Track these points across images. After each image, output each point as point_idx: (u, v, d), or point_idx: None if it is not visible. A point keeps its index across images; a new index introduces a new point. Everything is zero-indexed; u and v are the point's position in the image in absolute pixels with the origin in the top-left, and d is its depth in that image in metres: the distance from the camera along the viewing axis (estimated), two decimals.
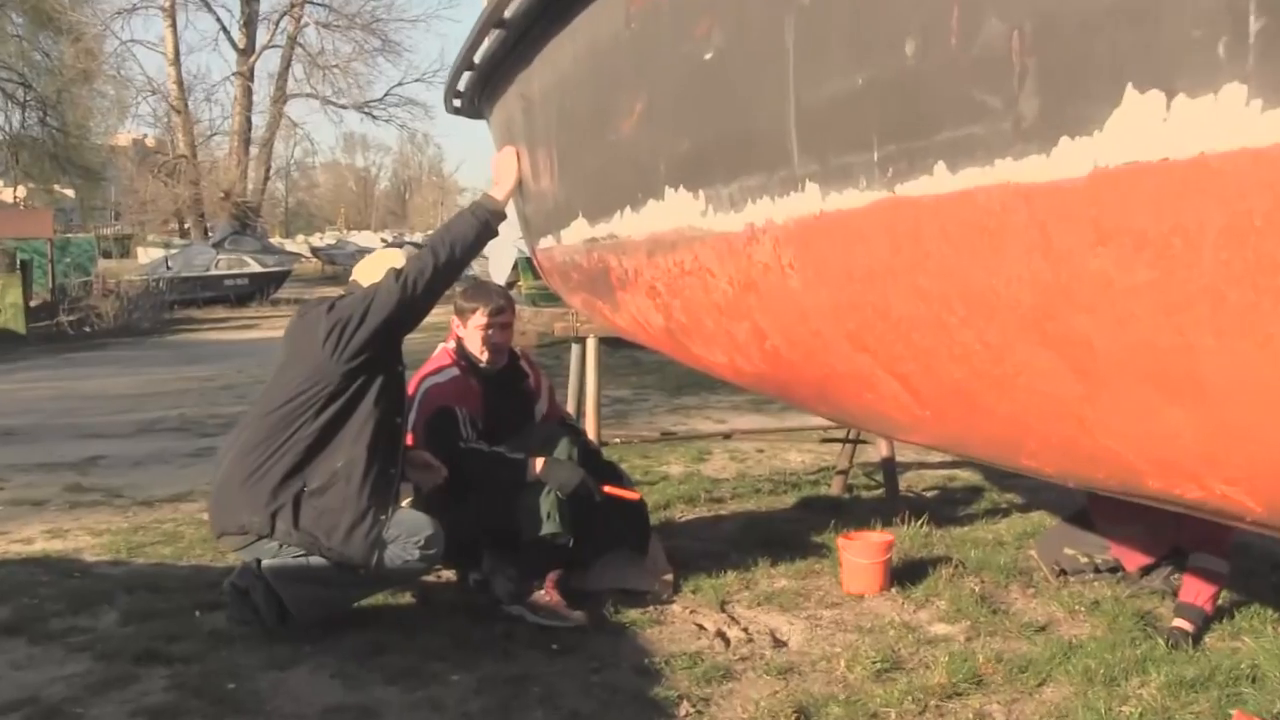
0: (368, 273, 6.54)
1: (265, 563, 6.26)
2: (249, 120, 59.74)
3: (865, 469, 10.27)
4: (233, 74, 59.49)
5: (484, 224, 6.39)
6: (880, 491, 9.67)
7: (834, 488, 9.84)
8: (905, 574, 7.20)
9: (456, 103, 7.78)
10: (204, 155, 59.23)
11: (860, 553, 7.14)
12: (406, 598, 6.90)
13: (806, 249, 3.10)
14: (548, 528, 6.66)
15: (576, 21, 4.61)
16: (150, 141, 67.29)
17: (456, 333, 7.20)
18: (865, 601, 6.91)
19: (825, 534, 8.09)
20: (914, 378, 2.90)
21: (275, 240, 65.12)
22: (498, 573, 6.89)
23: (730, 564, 7.51)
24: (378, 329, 6.15)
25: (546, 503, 6.67)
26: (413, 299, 6.22)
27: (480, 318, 7.06)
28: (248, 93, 59.35)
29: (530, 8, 4.86)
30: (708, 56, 3.47)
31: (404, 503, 6.91)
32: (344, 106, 62.14)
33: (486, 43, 5.74)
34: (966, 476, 10.35)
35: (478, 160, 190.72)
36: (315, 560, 6.21)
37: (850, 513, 8.88)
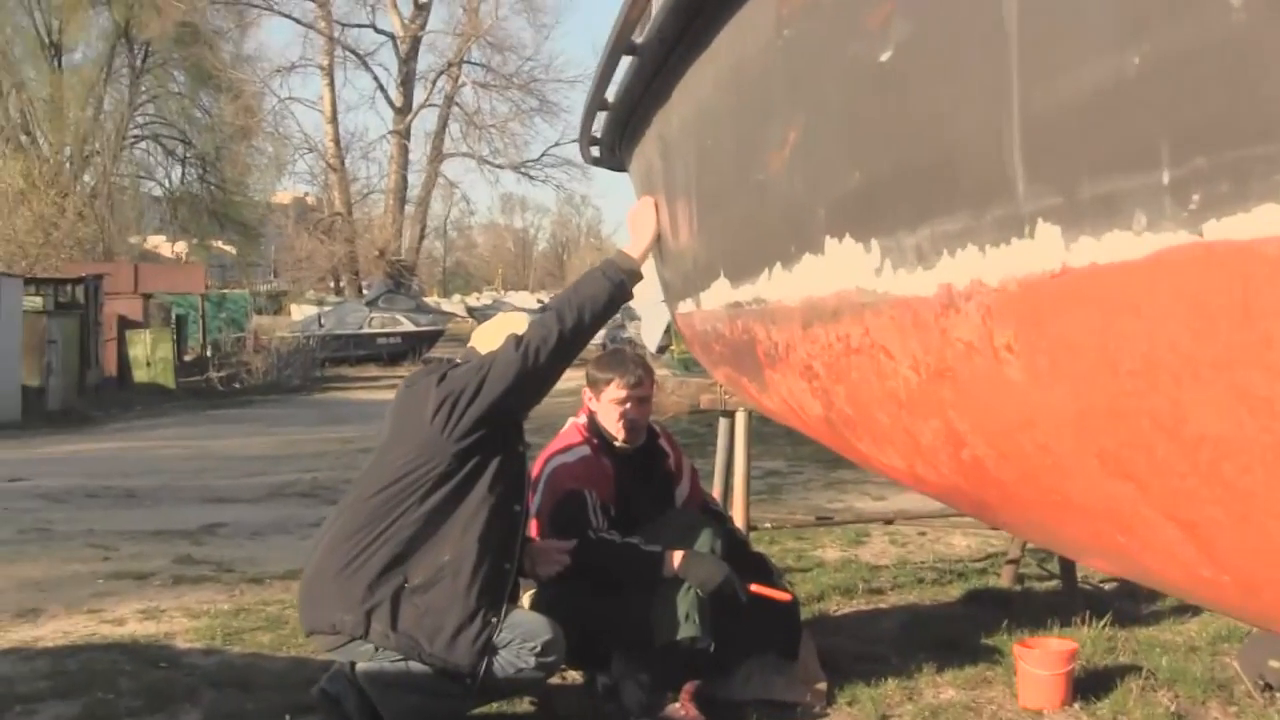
0: (486, 339, 5.78)
1: (360, 667, 5.52)
2: (405, 179, 59.89)
3: (1037, 556, 9.29)
4: (389, 132, 59.83)
5: (618, 285, 5.56)
6: (1055, 583, 8.68)
7: (1004, 578, 8.88)
8: (1089, 685, 6.27)
9: (594, 151, 6.89)
10: (360, 213, 59.61)
11: (1039, 663, 6.22)
12: (524, 705, 6.08)
13: (1035, 323, 2.11)
14: (685, 630, 5.88)
15: (719, 38, 3.71)
16: (310, 200, 67.71)
17: (589, 406, 6.41)
18: (1045, 718, 6.06)
19: (997, 635, 7.18)
20: (1211, 527, 1.89)
21: (432, 300, 65.17)
22: (628, 679, 6.04)
23: (891, 669, 6.61)
24: (495, 403, 5.45)
25: (685, 602, 5.90)
26: (534, 369, 5.47)
27: (616, 390, 6.31)
28: (404, 151, 59.50)
29: (664, 25, 3.93)
30: (885, 57, 2.51)
31: (524, 597, 6.08)
32: (500, 166, 62.09)
33: (618, 76, 4.82)
34: None
35: None
36: (416, 667, 5.43)
37: (1023, 609, 7.89)
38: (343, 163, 58.47)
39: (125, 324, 31.13)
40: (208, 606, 8.33)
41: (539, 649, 5.47)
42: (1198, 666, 6.63)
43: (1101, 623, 7.36)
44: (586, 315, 5.53)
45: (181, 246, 54.97)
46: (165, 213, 50.89)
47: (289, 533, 11.39)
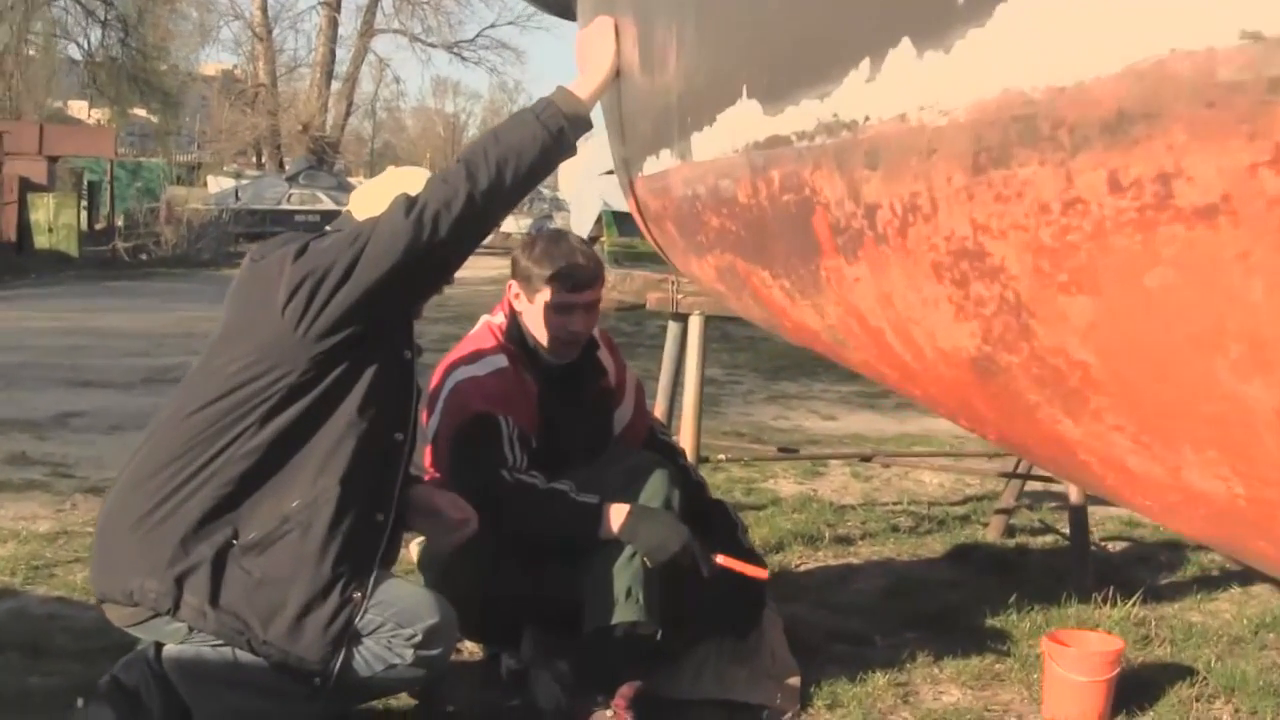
0: (368, 202, 4.09)
1: (167, 651, 3.95)
2: (333, 53, 58.00)
3: (1025, 501, 7.78)
4: (319, 3, 57.68)
5: (555, 135, 3.87)
6: (1051, 539, 7.30)
7: (992, 531, 7.40)
8: (1126, 690, 4.83)
9: None
10: (285, 87, 58.13)
11: (1078, 666, 4.78)
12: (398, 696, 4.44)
13: None
14: (624, 613, 4.38)
15: None
16: (238, 73, 65.74)
17: (510, 303, 4.78)
18: None
19: (1002, 613, 5.74)
20: None
21: (358, 180, 63.46)
22: (542, 668, 4.53)
23: (877, 657, 5.18)
24: (372, 289, 3.79)
25: (626, 574, 4.40)
26: (431, 245, 3.78)
27: (557, 293, 4.70)
28: (333, 24, 57.58)
29: None
30: None
31: (410, 548, 4.80)
32: (433, 45, 60.51)
33: None
34: (1144, 518, 7.72)
35: None
36: (244, 657, 3.87)
37: (1024, 576, 6.47)
38: (269, 32, 56.73)
39: (28, 187, 29.50)
40: (22, 526, 6.59)
41: (419, 638, 3.92)
42: (1249, 664, 5.30)
43: (1130, 602, 5.90)
44: (509, 173, 3.81)
45: (103, 113, 52.75)
46: (84, 77, 48.55)
47: None
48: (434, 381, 4.72)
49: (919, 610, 5.81)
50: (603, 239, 23.21)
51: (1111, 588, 5.95)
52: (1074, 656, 4.77)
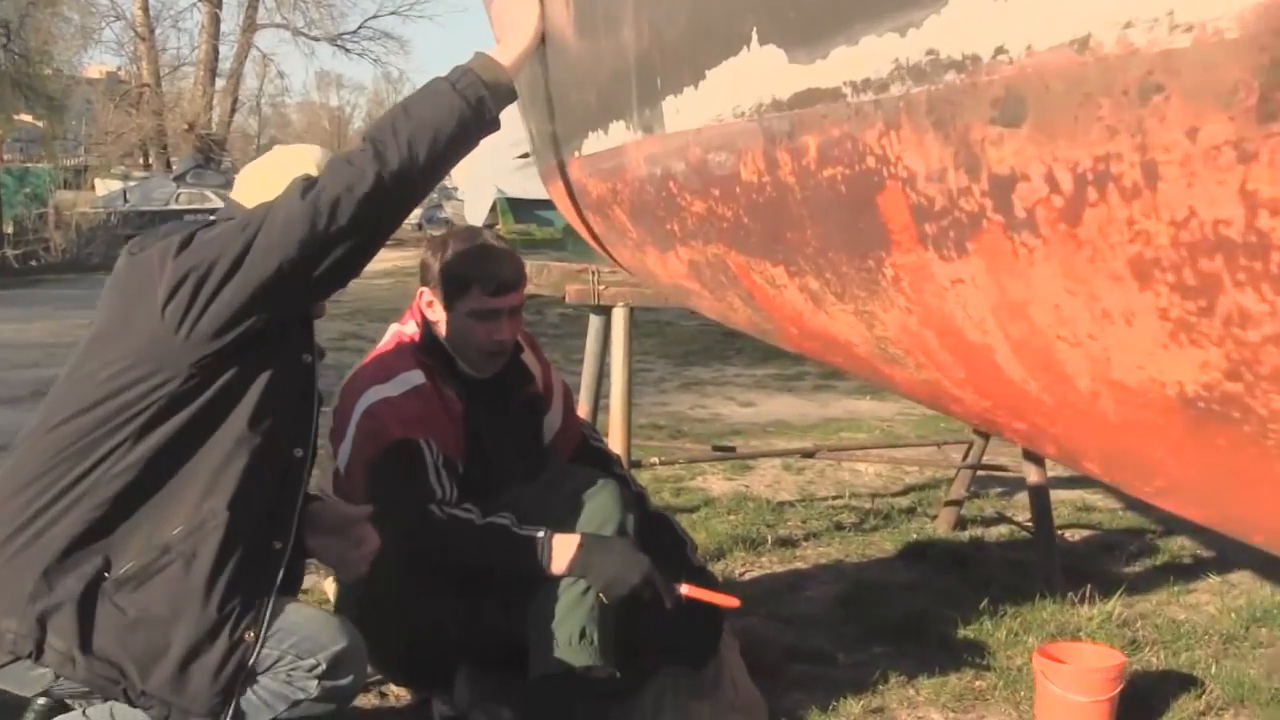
0: (257, 185, 3.47)
1: (37, 706, 3.43)
2: (216, 50, 56.88)
3: (972, 487, 7.20)
4: (200, 0, 55.81)
5: (475, 107, 3.23)
6: (1005, 529, 6.84)
7: (941, 523, 6.91)
8: (1128, 705, 4.33)
9: None
10: (170, 87, 56.90)
11: (1076, 684, 4.27)
12: None
13: None
14: (578, 657, 3.78)
15: None
16: (123, 74, 64.45)
17: (421, 312, 4.17)
18: None
19: (972, 619, 5.26)
20: None
21: None
22: (481, 714, 3.98)
23: (844, 678, 4.67)
24: (263, 286, 3.17)
25: (579, 612, 3.80)
26: (332, 235, 3.16)
27: (478, 299, 4.05)
28: (215, 21, 56.41)
29: None
30: None
31: (326, 584, 4.35)
32: (315, 39, 59.57)
33: None
34: (1098, 500, 7.59)
35: None
36: (122, 713, 3.30)
37: (985, 571, 6.02)
38: (151, 31, 55.42)
39: None
40: None
41: (322, 667, 3.36)
42: (1250, 667, 4.87)
43: (1108, 600, 5.47)
44: (422, 151, 3.17)
45: None
46: None
47: None
48: (340, 404, 4.09)
49: (881, 620, 5.30)
50: (499, 226, 22.56)
51: (1088, 585, 5.54)
52: (1072, 675, 4.31)
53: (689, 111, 2.09)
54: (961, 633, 5.14)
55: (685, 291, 2.95)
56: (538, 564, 3.74)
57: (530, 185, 22.33)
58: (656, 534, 4.34)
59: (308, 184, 3.13)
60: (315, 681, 3.35)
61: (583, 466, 4.39)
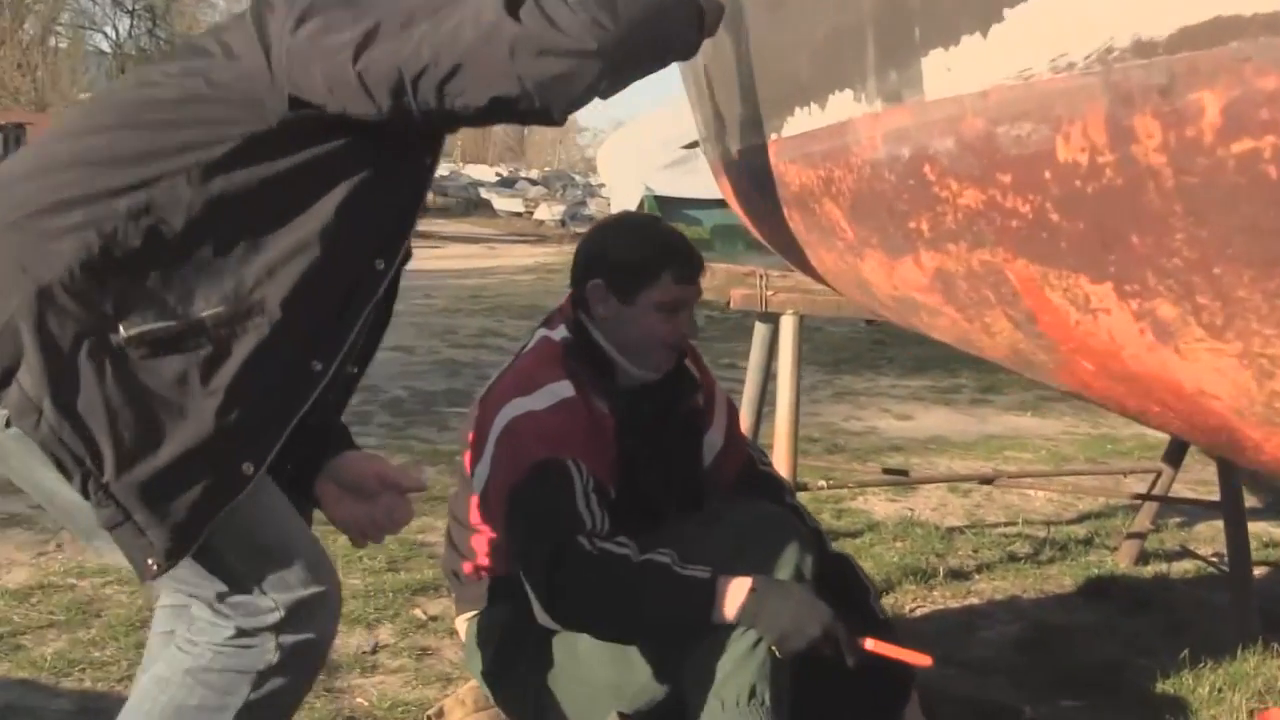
0: None
1: None
2: None
3: (1162, 524, 6.72)
4: None
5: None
6: (1190, 565, 6.18)
7: (1123, 557, 6.26)
8: None
9: None
10: None
11: None
12: None
13: None
14: (747, 718, 3.15)
15: None
16: None
17: (575, 312, 3.63)
18: None
19: (1171, 670, 4.66)
20: None
21: None
22: None
23: None
24: (407, 64, 2.45)
25: (749, 668, 3.16)
26: (492, 68, 2.43)
27: (669, 288, 3.48)
28: None
29: None
30: None
31: (459, 623, 3.67)
32: None
33: None
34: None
35: (598, 101, 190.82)
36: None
37: (1173, 614, 5.41)
38: None
39: None
40: None
41: (280, 613, 2.59)
42: None
43: None
44: (628, 31, 2.43)
45: None
46: (111, 67, 47.69)
47: None
48: (479, 415, 3.56)
49: (1067, 668, 4.73)
50: None
51: None
52: None
53: (970, 68, 1.54)
54: (1158, 687, 4.56)
55: (912, 307, 2.39)
56: (701, 611, 3.16)
57: (679, 183, 21.89)
58: (837, 578, 3.77)
59: (507, 6, 2.42)
60: (272, 639, 2.60)
61: (752, 498, 3.83)
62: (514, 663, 3.47)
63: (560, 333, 3.59)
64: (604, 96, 2.50)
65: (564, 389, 3.42)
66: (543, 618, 3.26)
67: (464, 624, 3.69)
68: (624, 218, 3.81)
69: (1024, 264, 1.60)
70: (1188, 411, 1.46)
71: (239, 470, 2.47)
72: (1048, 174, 1.42)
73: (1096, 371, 1.63)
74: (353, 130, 2.50)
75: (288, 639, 2.60)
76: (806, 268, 3.85)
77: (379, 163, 2.56)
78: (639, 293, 3.47)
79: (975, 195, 1.64)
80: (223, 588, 2.55)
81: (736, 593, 3.14)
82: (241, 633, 2.56)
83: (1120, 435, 9.84)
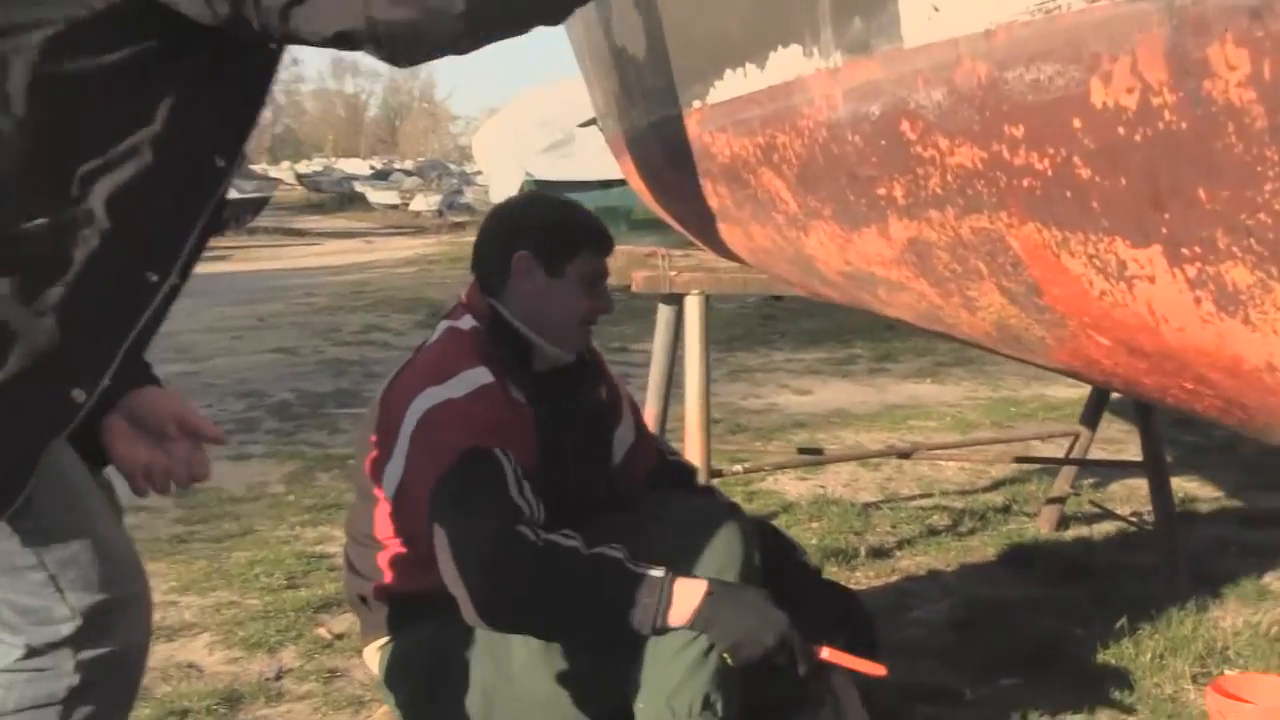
0: None
1: None
2: None
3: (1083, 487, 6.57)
4: None
5: None
6: (1111, 526, 6.11)
7: (1043, 523, 6.14)
8: None
9: None
10: None
11: None
12: None
13: None
14: None
15: None
16: None
17: (478, 299, 3.40)
18: None
19: (1110, 641, 4.52)
20: None
21: (260, 166, 61.94)
22: None
23: None
24: None
25: (701, 677, 2.96)
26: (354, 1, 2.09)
27: (591, 261, 3.35)
28: None
29: None
30: None
31: (369, 651, 3.38)
32: None
33: None
34: (1196, 488, 6.88)
35: (470, 88, 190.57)
36: None
37: (1104, 579, 5.28)
38: None
39: None
40: None
41: (79, 622, 2.19)
42: None
43: (1255, 612, 4.80)
44: None
45: None
46: None
47: None
48: (381, 414, 3.29)
49: (1004, 646, 4.55)
50: None
51: (1223, 592, 4.99)
52: (1258, 715, 3.63)
53: (966, 6, 1.32)
54: (1098, 658, 4.43)
55: (867, 282, 2.17)
56: (653, 612, 2.92)
57: (558, 166, 21.65)
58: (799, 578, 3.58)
59: None
60: (69, 657, 2.19)
61: (687, 494, 3.64)
62: (436, 693, 3.23)
63: (467, 322, 3.35)
64: (459, 54, 2.24)
65: (481, 375, 3.18)
66: (473, 617, 2.98)
67: (374, 654, 3.41)
68: (532, 197, 3.64)
69: (1034, 229, 1.40)
70: (1239, 390, 1.27)
71: (69, 397, 2.14)
72: (1077, 123, 1.22)
73: (1112, 348, 1.44)
74: (185, 26, 2.13)
75: (88, 654, 2.19)
76: (720, 245, 3.64)
77: (216, 61, 2.21)
78: (566, 263, 3.29)
79: (972, 153, 1.43)
80: (15, 584, 2.16)
81: (691, 595, 2.91)
82: (32, 652, 2.17)
83: (1021, 397, 9.81)
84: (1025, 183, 1.38)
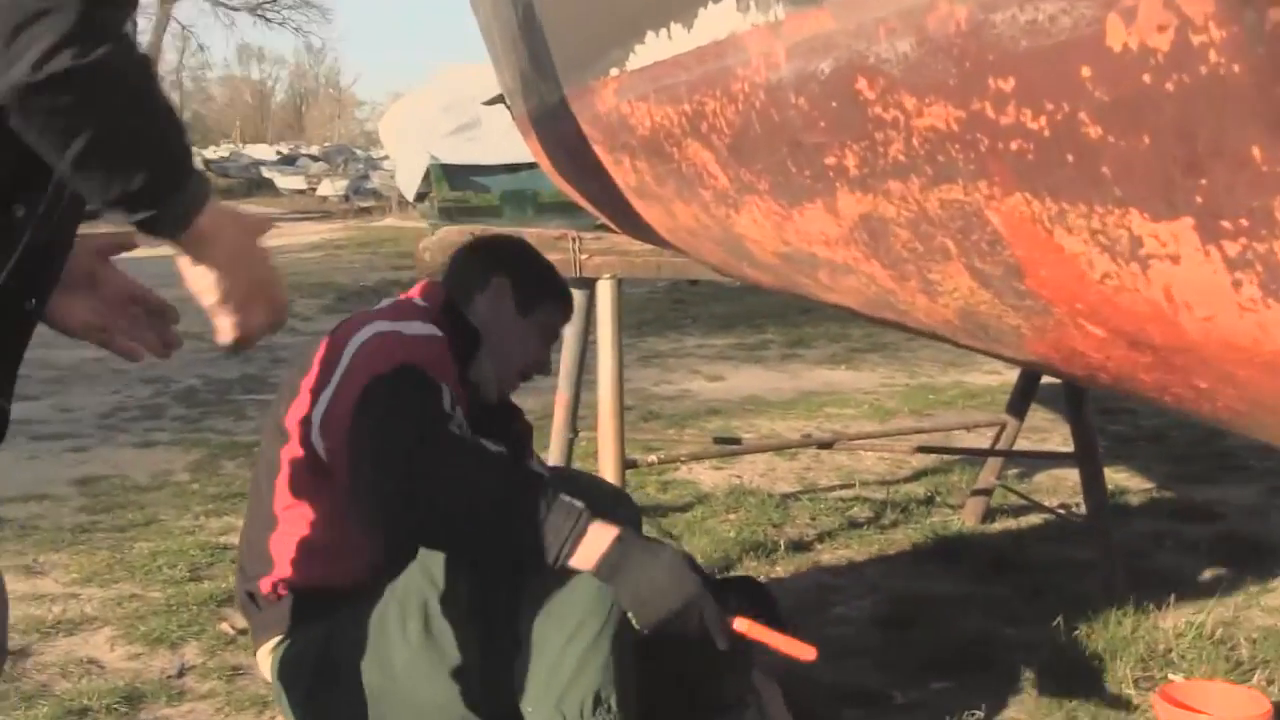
0: None
1: None
2: (134, 22, 54.86)
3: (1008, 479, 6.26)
4: None
5: None
6: (1038, 518, 5.92)
7: (969, 515, 5.96)
8: None
9: None
10: None
11: None
12: None
13: None
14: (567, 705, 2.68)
15: None
16: None
17: (440, 295, 3.31)
18: None
19: (1043, 641, 4.38)
20: None
21: None
22: None
23: None
24: None
25: (593, 666, 2.68)
26: None
27: (556, 314, 3.47)
28: None
29: None
30: None
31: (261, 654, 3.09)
32: (235, 9, 58.15)
33: None
34: (1124, 479, 6.72)
35: (375, 73, 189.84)
36: None
37: (1034, 574, 5.11)
38: None
39: None
40: None
41: None
42: None
43: (1196, 610, 4.58)
44: None
45: None
46: None
47: None
48: (325, 353, 3.05)
49: (933, 645, 4.37)
50: (432, 194, 21.59)
51: (1163, 590, 4.70)
52: None
53: None
54: (1034, 659, 4.21)
55: (807, 265, 1.94)
56: (563, 541, 2.64)
57: (463, 150, 21.49)
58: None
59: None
60: None
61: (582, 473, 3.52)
62: (327, 696, 2.99)
63: (422, 301, 3.22)
64: None
65: (434, 331, 3.03)
66: (387, 512, 2.73)
67: (266, 656, 3.16)
68: (523, 239, 3.74)
69: (1021, 201, 1.18)
70: (1278, 391, 1.06)
71: None
72: (1086, 71, 1.01)
73: (1106, 340, 1.23)
74: None
75: None
76: (635, 227, 3.42)
77: None
78: (537, 306, 3.33)
79: (945, 114, 1.22)
80: None
81: (602, 537, 2.65)
82: None
83: (939, 384, 9.71)
84: (1013, 146, 1.16)
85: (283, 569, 3.07)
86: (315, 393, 2.98)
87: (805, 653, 2.90)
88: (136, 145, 1.66)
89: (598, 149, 2.66)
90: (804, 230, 1.78)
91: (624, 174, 2.57)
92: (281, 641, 3.09)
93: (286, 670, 3.07)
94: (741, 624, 2.80)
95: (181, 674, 4.23)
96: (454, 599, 2.82)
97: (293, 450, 3.01)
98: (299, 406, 3.02)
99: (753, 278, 2.85)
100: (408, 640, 2.83)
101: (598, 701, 2.69)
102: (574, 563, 2.64)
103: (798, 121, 1.52)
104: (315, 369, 3.03)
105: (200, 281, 1.82)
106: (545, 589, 2.68)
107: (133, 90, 1.65)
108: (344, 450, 2.83)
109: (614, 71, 2.22)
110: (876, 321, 2.24)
